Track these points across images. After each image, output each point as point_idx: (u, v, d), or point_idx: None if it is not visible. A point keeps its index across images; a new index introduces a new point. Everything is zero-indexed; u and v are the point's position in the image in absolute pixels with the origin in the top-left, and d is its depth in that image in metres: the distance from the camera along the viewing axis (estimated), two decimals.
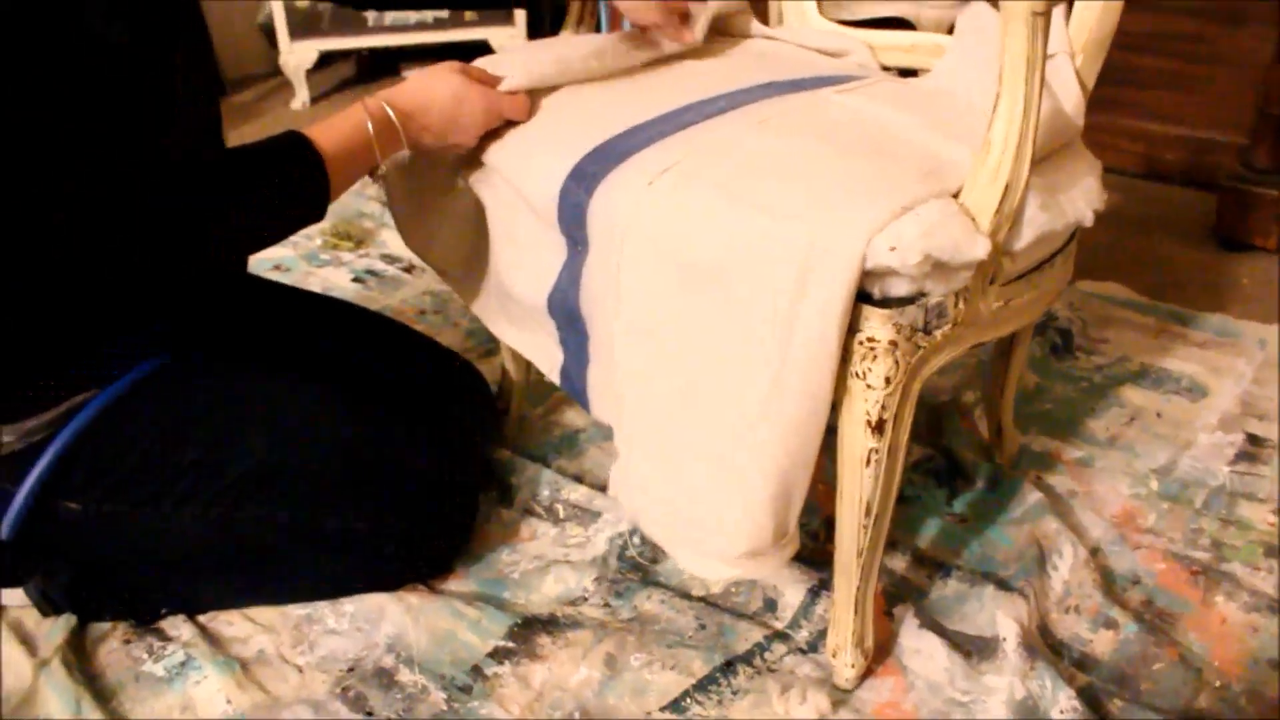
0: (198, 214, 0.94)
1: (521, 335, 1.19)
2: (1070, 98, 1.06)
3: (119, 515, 1.07)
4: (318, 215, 1.02)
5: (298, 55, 3.21)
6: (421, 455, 1.17)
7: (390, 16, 3.18)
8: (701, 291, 0.89)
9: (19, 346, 1.00)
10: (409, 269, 2.03)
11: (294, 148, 0.99)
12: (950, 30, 2.18)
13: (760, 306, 0.85)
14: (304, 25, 3.18)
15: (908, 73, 1.34)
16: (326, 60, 3.35)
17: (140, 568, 1.17)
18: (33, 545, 1.07)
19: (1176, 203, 2.28)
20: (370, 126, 1.02)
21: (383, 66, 3.69)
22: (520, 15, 3.24)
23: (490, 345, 1.69)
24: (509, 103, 1.08)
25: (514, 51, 1.21)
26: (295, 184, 0.99)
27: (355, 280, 2.00)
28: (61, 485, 1.05)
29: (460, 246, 1.22)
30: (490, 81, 1.09)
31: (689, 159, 0.95)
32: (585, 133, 1.04)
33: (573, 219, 0.99)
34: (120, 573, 1.17)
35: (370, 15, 3.17)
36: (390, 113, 1.04)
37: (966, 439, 1.45)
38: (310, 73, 3.28)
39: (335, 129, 1.01)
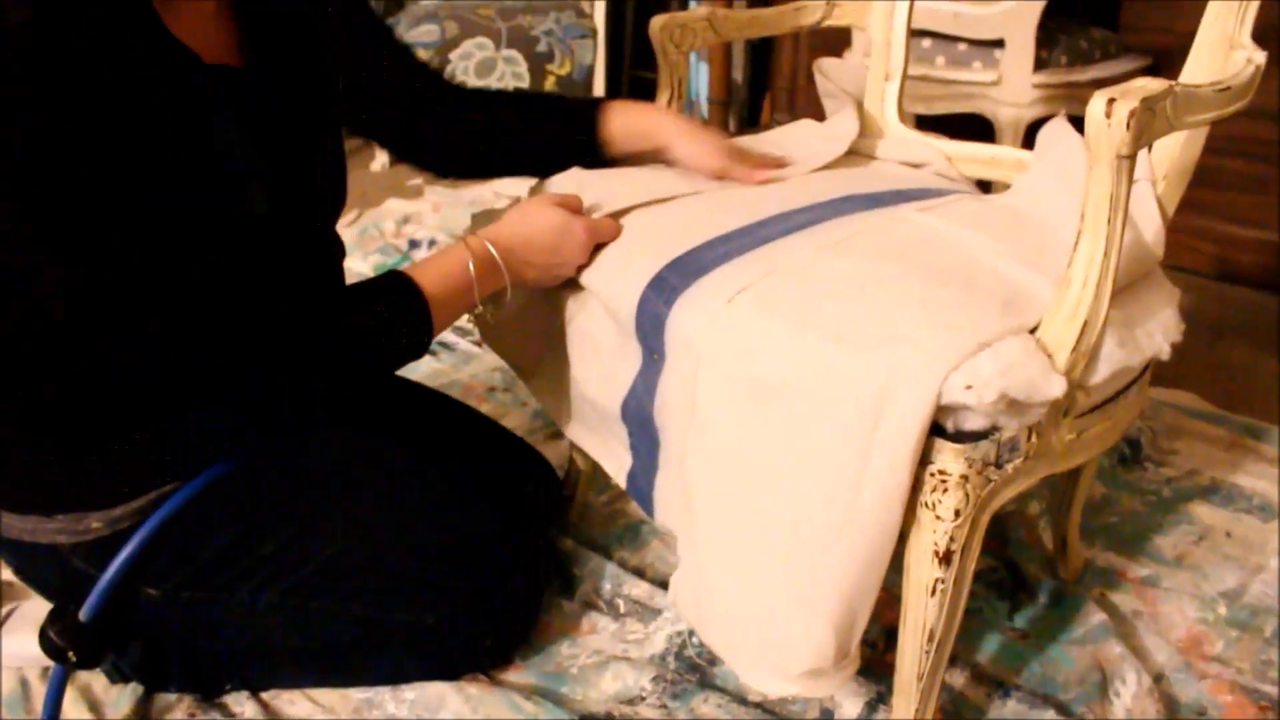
0: (310, 361, 0.97)
1: (592, 437, 1.20)
2: (1150, 226, 1.06)
3: (196, 602, 1.10)
4: (419, 354, 1.05)
5: None
6: (495, 555, 1.18)
7: (472, 84, 3.23)
8: (776, 413, 0.90)
9: (122, 445, 1.04)
10: (480, 343, 2.06)
11: (399, 291, 1.01)
12: (1026, 130, 2.20)
13: (834, 434, 0.86)
14: None
15: (983, 182, 1.35)
16: None
17: (209, 647, 1.19)
18: (109, 627, 1.10)
19: (1251, 307, 2.25)
20: (472, 267, 1.04)
21: None
22: (599, 87, 3.30)
23: (557, 428, 1.70)
24: (605, 227, 1.10)
25: (595, 174, 1.24)
26: (399, 328, 1.01)
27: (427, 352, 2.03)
28: (143, 571, 1.07)
29: (535, 346, 1.24)
30: (580, 208, 1.13)
31: (768, 278, 0.96)
32: (666, 242, 1.06)
33: (651, 329, 1.01)
34: (189, 649, 1.19)
35: None
36: (493, 251, 1.06)
37: (1030, 551, 1.43)
38: None
39: (438, 270, 1.04)
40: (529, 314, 1.22)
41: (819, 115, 1.46)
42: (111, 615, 1.08)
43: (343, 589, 1.11)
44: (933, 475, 0.87)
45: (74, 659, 1.08)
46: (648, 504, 1.11)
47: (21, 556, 1.10)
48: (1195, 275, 2.38)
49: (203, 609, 1.10)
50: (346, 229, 2.66)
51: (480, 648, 1.20)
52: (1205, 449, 1.69)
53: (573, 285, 1.13)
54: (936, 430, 0.85)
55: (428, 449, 1.27)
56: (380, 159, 3.37)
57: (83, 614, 1.07)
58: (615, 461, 1.16)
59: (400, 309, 1.01)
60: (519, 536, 1.22)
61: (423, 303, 1.01)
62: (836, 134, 1.35)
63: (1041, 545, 1.45)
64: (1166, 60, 2.40)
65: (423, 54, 3.15)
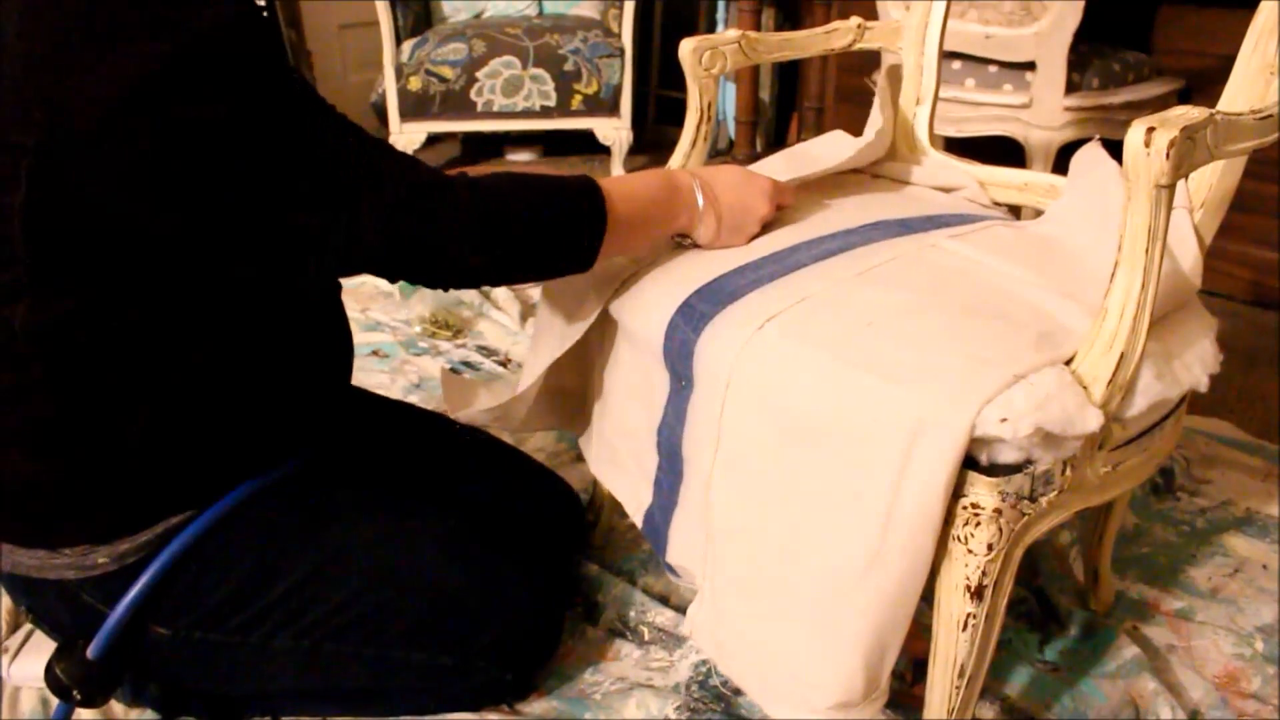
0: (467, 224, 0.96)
1: (617, 475, 1.19)
2: (1188, 256, 1.04)
3: (207, 643, 1.06)
4: (584, 264, 1.03)
5: (407, 136, 3.30)
6: (517, 598, 1.15)
7: (499, 102, 3.25)
8: (806, 444, 0.89)
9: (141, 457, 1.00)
10: (504, 362, 2.05)
11: (580, 190, 1.01)
12: (1057, 153, 2.18)
13: (866, 467, 0.84)
14: (415, 108, 3.26)
15: (1014, 207, 1.34)
16: (433, 139, 3.44)
17: (224, 687, 1.17)
18: (117, 666, 1.07)
19: None
20: (676, 185, 1.07)
21: (487, 147, 3.78)
22: (625, 106, 3.30)
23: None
24: (785, 186, 1.14)
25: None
26: (567, 222, 1.00)
27: (451, 371, 2.03)
28: (153, 611, 1.04)
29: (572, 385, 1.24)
30: None
31: (799, 306, 0.95)
32: (694, 269, 1.05)
33: (679, 355, 0.99)
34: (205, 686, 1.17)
35: (479, 101, 3.25)
36: (694, 183, 1.08)
37: (1061, 581, 1.41)
38: (417, 151, 3.37)
39: (631, 184, 1.06)
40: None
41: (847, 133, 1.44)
42: (120, 654, 1.05)
43: (357, 633, 1.08)
44: (965, 509, 0.85)
45: (78, 698, 1.05)
46: (661, 541, 1.09)
47: (32, 594, 1.07)
48: (1229, 300, 2.35)
49: (215, 650, 1.07)
50: None
51: (501, 683, 1.17)
52: (1240, 479, 1.66)
53: (602, 318, 1.12)
54: (970, 463, 0.83)
55: (446, 479, 1.25)
56: None
57: (91, 651, 1.03)
58: (635, 500, 1.14)
59: (576, 205, 1.00)
60: (539, 572, 1.19)
61: (601, 207, 1.00)
62: (856, 141, 1.34)
63: (1072, 576, 1.43)
64: (1200, 83, 2.37)
65: (449, 72, 3.17)
